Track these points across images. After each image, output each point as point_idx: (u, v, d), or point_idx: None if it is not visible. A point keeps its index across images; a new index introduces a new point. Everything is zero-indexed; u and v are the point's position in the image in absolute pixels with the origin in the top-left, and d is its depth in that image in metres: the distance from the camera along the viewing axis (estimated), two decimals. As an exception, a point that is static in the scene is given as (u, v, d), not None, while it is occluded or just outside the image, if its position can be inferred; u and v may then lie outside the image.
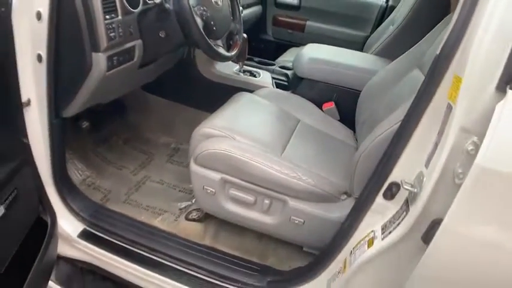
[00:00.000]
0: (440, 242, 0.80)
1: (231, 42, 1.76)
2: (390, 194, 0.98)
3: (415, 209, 0.88)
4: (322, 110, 1.87)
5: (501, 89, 0.74)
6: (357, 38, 2.79)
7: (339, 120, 1.85)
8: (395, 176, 0.96)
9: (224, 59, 1.61)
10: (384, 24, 2.51)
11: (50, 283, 1.39)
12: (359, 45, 2.69)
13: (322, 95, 1.90)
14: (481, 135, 0.73)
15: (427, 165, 0.89)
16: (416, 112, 0.90)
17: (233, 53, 1.66)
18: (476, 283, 0.84)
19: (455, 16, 0.83)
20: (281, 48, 2.86)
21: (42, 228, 1.23)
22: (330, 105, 1.85)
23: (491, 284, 0.83)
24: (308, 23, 2.94)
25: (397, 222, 0.95)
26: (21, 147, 1.16)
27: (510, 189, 0.73)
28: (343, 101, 1.86)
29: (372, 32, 2.72)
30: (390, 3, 2.79)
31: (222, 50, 1.53)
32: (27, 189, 1.07)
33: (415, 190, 0.89)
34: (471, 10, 0.79)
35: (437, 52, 0.87)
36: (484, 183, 0.73)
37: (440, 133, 0.85)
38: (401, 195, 0.97)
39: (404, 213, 0.93)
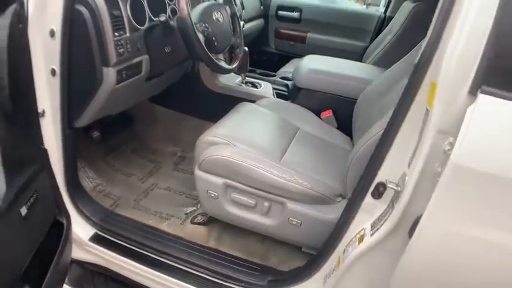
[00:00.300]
0: (420, 237, 0.87)
1: (232, 56, 1.85)
2: (378, 194, 1.04)
3: (399, 207, 0.95)
4: (320, 118, 1.95)
5: (473, 93, 0.80)
6: (356, 48, 2.86)
7: (337, 128, 1.92)
8: (381, 176, 1.03)
9: (226, 71, 1.70)
10: (382, 34, 2.58)
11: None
12: (358, 55, 2.77)
13: (320, 103, 1.98)
14: (457, 136, 0.79)
15: (409, 165, 0.96)
16: (398, 117, 0.97)
17: (234, 65, 1.74)
18: (454, 276, 0.90)
19: (430, 28, 0.91)
20: (283, 59, 2.93)
21: (56, 231, 1.30)
22: (328, 114, 1.93)
23: (469, 277, 0.89)
24: (309, 34, 3.02)
25: (384, 219, 1.02)
26: (39, 152, 1.24)
27: (481, 184, 0.79)
28: (340, 109, 1.94)
29: (370, 42, 2.79)
30: (388, 14, 2.87)
31: (223, 63, 1.62)
32: (45, 193, 1.14)
33: (399, 189, 0.97)
34: (444, 22, 0.86)
35: (416, 61, 0.95)
36: (457, 179, 0.79)
37: (420, 135, 0.93)
38: (388, 195, 1.03)
39: (390, 210, 1.00)
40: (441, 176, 0.81)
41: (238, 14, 2.01)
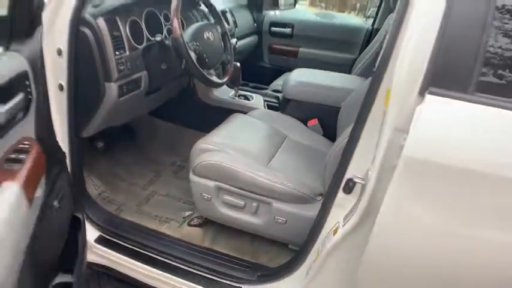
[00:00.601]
0: (381, 224, 0.98)
1: (224, 71, 2.00)
2: (348, 189, 1.15)
3: (364, 198, 1.07)
4: (307, 126, 2.07)
5: (422, 94, 0.92)
6: (346, 60, 2.95)
7: (322, 135, 2.03)
8: (350, 172, 1.14)
9: (216, 85, 1.84)
10: (369, 46, 2.67)
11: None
12: (348, 67, 2.84)
13: (307, 113, 2.10)
14: None
15: (372, 161, 1.09)
16: (361, 119, 1.09)
17: (224, 79, 1.89)
18: (413, 261, 1.00)
19: (385, 42, 1.05)
20: (277, 73, 3.01)
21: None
22: (314, 122, 2.06)
23: (426, 262, 0.99)
24: (301, 49, 3.12)
25: (354, 211, 1.14)
26: (60, 155, 1.37)
27: (430, 173, 0.90)
28: (326, 118, 2.05)
29: (359, 54, 2.86)
30: (375, 26, 2.96)
31: (214, 78, 1.75)
32: (66, 191, 1.27)
33: (364, 182, 1.09)
34: (395, 37, 0.99)
35: (374, 69, 1.08)
36: (410, 169, 0.91)
37: (380, 134, 1.05)
38: (358, 189, 1.14)
39: (359, 203, 1.12)
40: (396, 167, 0.93)
41: (231, 32, 2.17)
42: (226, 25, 2.01)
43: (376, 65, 1.07)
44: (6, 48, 0.99)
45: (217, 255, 1.59)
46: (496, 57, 0.92)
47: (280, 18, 3.24)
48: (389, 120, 0.99)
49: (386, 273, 1.07)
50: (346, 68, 2.86)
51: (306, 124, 2.07)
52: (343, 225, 1.16)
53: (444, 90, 0.90)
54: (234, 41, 2.14)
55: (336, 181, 1.18)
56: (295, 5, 3.29)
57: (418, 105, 0.92)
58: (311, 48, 3.11)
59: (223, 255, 1.60)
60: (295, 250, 1.60)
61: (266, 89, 2.53)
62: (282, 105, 2.28)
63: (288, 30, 3.14)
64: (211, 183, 1.55)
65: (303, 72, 2.32)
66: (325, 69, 2.47)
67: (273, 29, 3.19)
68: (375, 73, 1.07)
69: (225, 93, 2.33)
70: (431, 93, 0.91)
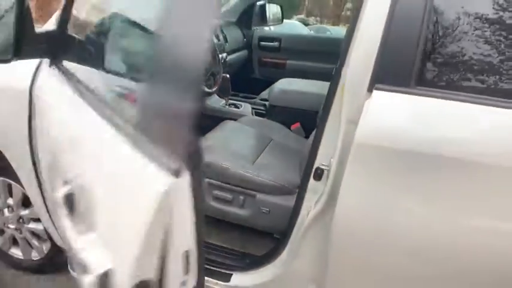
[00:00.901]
0: (341, 204, 1.14)
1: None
2: (317, 176, 1.31)
3: (329, 182, 1.25)
4: (290, 130, 2.26)
5: (370, 90, 1.09)
6: (330, 70, 3.11)
7: (305, 137, 2.21)
8: (318, 161, 1.30)
9: (206, 94, 2.04)
10: None
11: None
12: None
13: (290, 118, 2.30)
14: None
15: (334, 150, 1.26)
16: (324, 114, 1.27)
17: (214, 89, 2.09)
18: (370, 234, 1.14)
19: (341, 51, 1.24)
20: (268, 85, 3.07)
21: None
22: (297, 126, 2.25)
23: (380, 233, 1.13)
24: (288, 61, 3.27)
25: (322, 195, 1.31)
26: None
27: (376, 155, 1.07)
28: (307, 122, 2.24)
29: None
30: None
31: (204, 88, 1.96)
32: None
33: (328, 168, 1.27)
34: (347, 44, 1.17)
35: (333, 72, 1.26)
36: (360, 153, 1.08)
37: (339, 126, 1.23)
38: (325, 176, 1.32)
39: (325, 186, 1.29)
40: (350, 153, 1.11)
41: (221, 48, 2.38)
42: (215, 40, 2.22)
43: (335, 67, 1.25)
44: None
45: (210, 246, 1.74)
46: (433, 52, 1.08)
47: (268, 33, 3.44)
48: (344, 114, 1.16)
49: (352, 250, 1.21)
50: (330, 77, 3.00)
51: (289, 128, 2.26)
52: (314, 207, 1.33)
53: (389, 86, 1.07)
54: (224, 55, 2.34)
55: (307, 170, 1.35)
56: (282, 21, 3.49)
57: (366, 100, 1.09)
58: (298, 60, 3.26)
59: (216, 246, 1.76)
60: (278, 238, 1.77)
61: (254, 98, 2.72)
62: (268, 112, 2.48)
63: (276, 44, 3.30)
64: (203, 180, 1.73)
65: (287, 81, 2.52)
66: (311, 79, 2.64)
67: (262, 43, 3.35)
68: (335, 70, 1.24)
69: (216, 103, 2.53)
70: (377, 89, 1.07)
